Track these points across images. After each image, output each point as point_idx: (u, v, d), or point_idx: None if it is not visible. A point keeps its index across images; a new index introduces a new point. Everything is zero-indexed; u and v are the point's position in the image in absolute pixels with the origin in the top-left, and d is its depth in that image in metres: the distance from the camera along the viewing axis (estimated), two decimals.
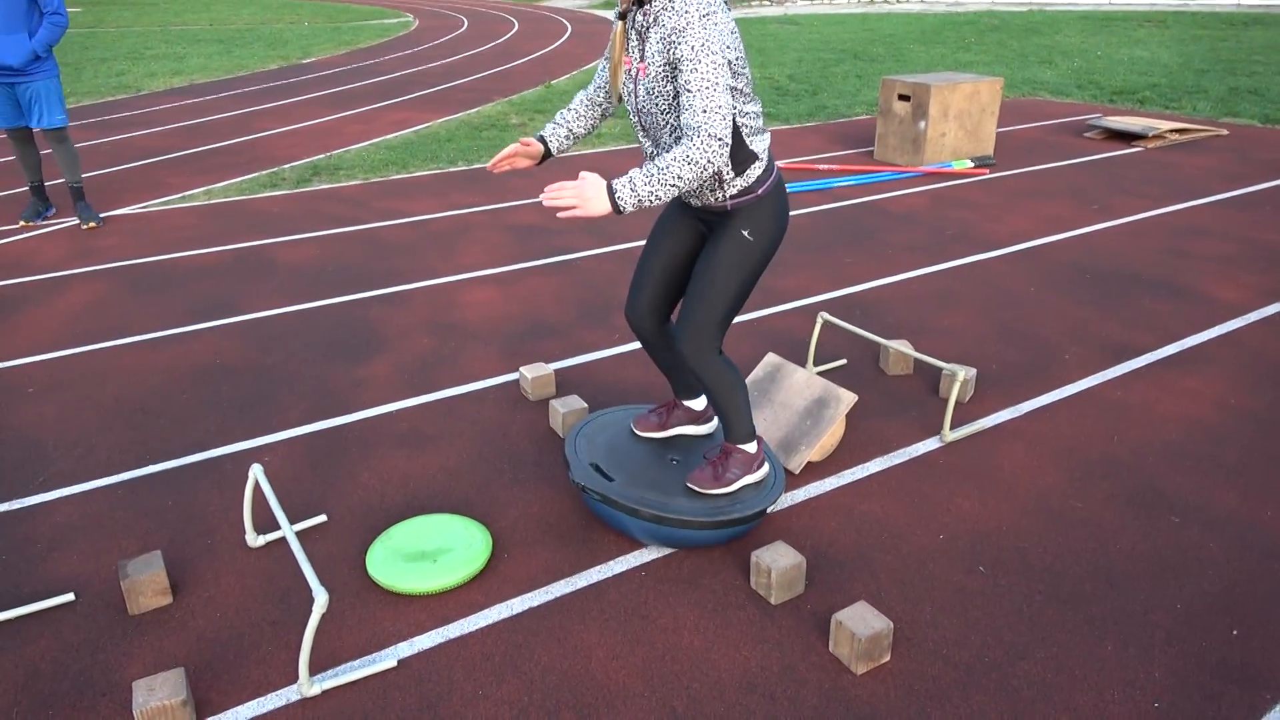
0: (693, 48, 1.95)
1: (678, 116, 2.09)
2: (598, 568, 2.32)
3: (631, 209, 1.99)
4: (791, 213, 5.48)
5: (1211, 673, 1.96)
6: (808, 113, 8.84)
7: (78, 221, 5.35)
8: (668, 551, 2.38)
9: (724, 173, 2.15)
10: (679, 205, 2.37)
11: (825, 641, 2.05)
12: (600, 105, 2.34)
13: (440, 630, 2.11)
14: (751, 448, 2.40)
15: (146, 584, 2.17)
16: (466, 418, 3.09)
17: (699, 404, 2.61)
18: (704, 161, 1.96)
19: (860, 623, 1.96)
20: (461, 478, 2.74)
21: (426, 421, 3.07)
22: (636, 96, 2.15)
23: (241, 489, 2.69)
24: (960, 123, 6.57)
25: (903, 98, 6.57)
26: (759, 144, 2.16)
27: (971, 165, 6.49)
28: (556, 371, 3.41)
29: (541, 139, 2.32)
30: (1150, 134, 7.23)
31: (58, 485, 2.72)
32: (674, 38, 1.98)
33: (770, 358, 3.07)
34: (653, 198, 1.98)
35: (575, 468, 2.42)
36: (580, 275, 4.45)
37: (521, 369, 3.25)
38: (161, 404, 3.21)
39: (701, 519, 2.26)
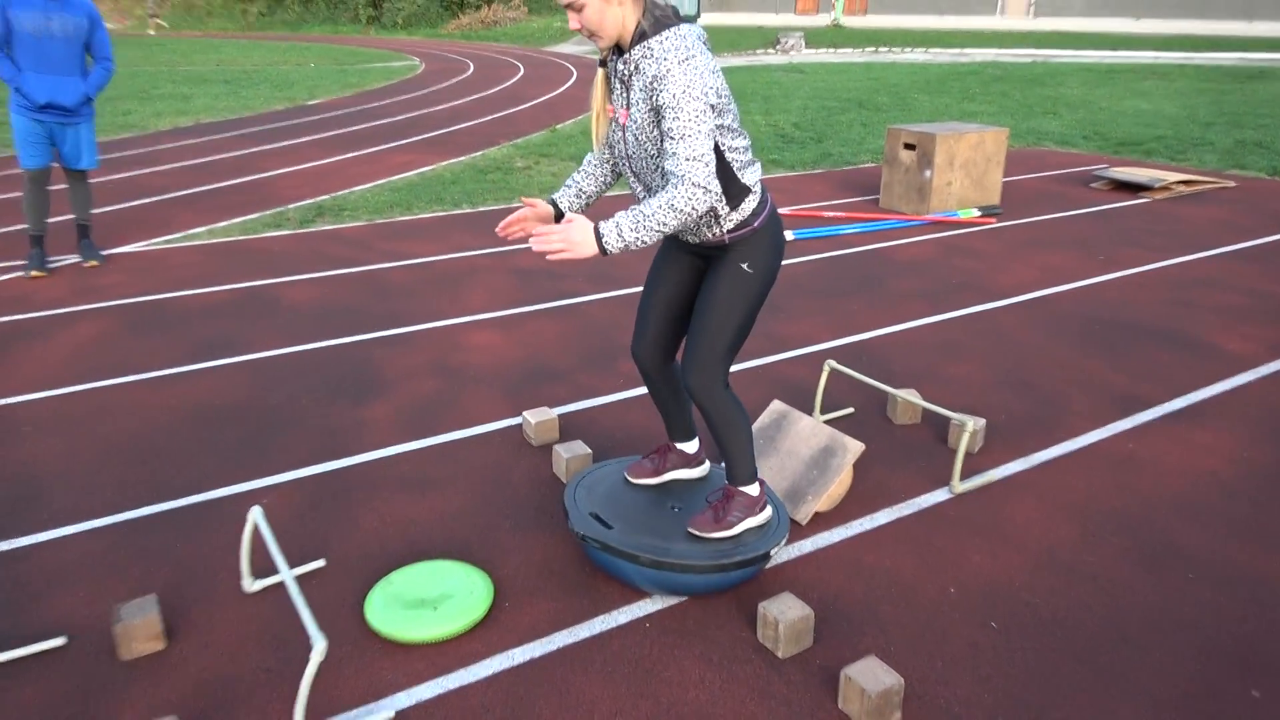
0: (674, 95, 2.00)
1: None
2: (601, 618, 2.31)
3: (617, 252, 2.04)
4: (799, 259, 5.53)
5: None
6: (813, 160, 8.96)
7: (80, 259, 5.40)
8: (673, 602, 2.36)
9: (719, 209, 2.19)
10: (675, 242, 2.40)
11: (834, 697, 2.03)
12: (609, 161, 2.39)
13: (439, 680, 2.09)
14: (754, 490, 2.41)
15: (140, 629, 2.15)
16: (469, 462, 3.09)
17: (692, 447, 2.63)
18: (688, 209, 2.01)
19: (870, 678, 1.94)
20: (463, 523, 2.73)
21: (429, 465, 3.07)
22: (625, 143, 2.20)
23: (238, 531, 2.68)
24: (966, 172, 6.66)
25: (908, 146, 6.66)
26: (750, 176, 2.20)
27: (978, 214, 6.56)
28: (560, 416, 3.42)
29: (552, 202, 2.39)
30: (1157, 185, 7.32)
31: (54, 525, 2.71)
32: (655, 85, 2.03)
33: (776, 405, 3.08)
34: (638, 242, 2.03)
35: (574, 517, 2.42)
36: (583, 319, 4.47)
37: (525, 413, 3.26)
38: (161, 443, 3.21)
39: (703, 563, 2.25)
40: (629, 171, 2.27)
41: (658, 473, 2.62)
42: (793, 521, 2.73)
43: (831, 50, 24.20)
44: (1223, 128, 10.79)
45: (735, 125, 2.15)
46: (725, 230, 2.23)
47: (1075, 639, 2.23)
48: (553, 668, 2.13)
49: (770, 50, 24.67)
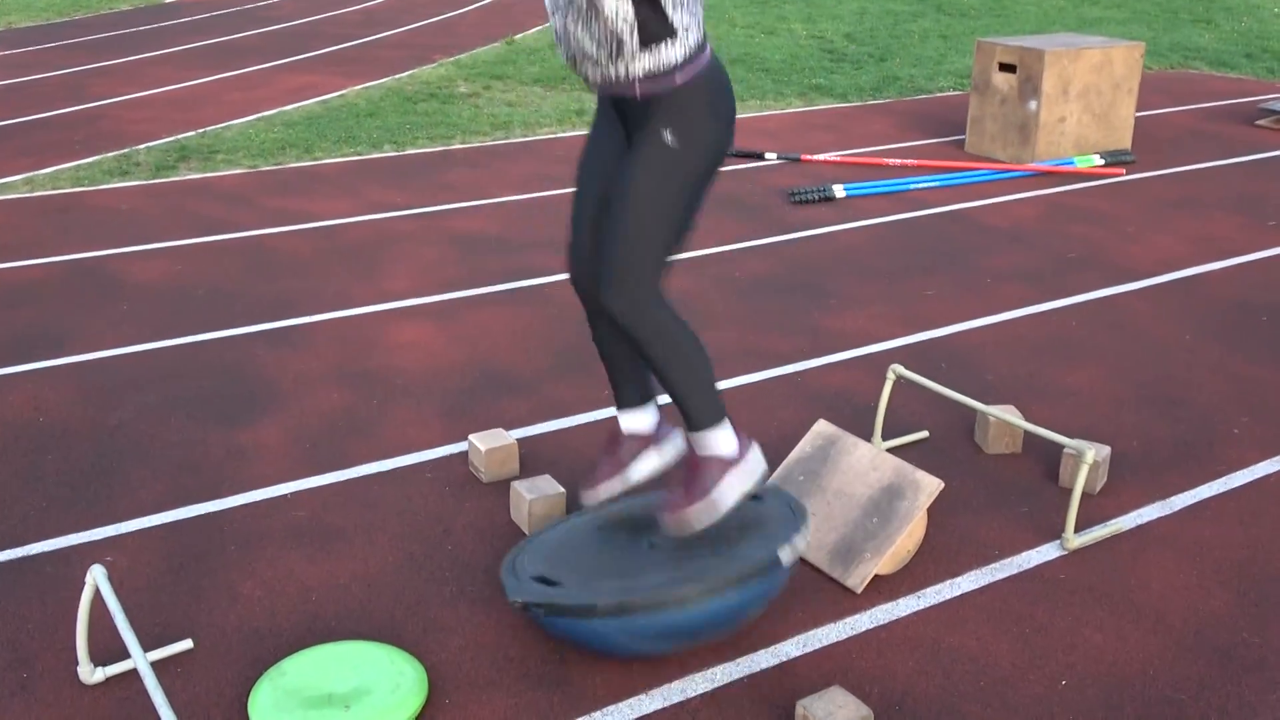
0: None
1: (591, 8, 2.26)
2: None
3: None
4: (852, 225, 5.58)
5: None
6: (873, 86, 9.02)
7: None
8: (676, 699, 2.40)
9: (624, 40, 2.27)
10: (604, 112, 2.58)
11: None
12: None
13: None
14: (725, 439, 2.49)
15: None
16: (392, 505, 3.12)
17: (647, 417, 2.73)
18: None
19: None
20: (384, 591, 2.76)
21: (334, 510, 3.10)
22: None
23: (72, 600, 2.71)
24: (1086, 104, 6.73)
25: (1005, 68, 6.73)
26: (681, 17, 2.30)
27: (1101, 163, 6.63)
28: (519, 441, 3.45)
29: None
30: None
31: None
32: None
33: (821, 427, 3.12)
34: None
35: (511, 587, 2.49)
36: (550, 306, 4.52)
37: (471, 437, 3.30)
38: None
39: (687, 591, 2.33)
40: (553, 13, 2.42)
41: (617, 471, 2.69)
42: (845, 589, 2.77)
43: None
44: None
45: None
46: (633, 76, 2.33)
47: None
48: None
49: None
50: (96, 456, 3.37)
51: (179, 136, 7.19)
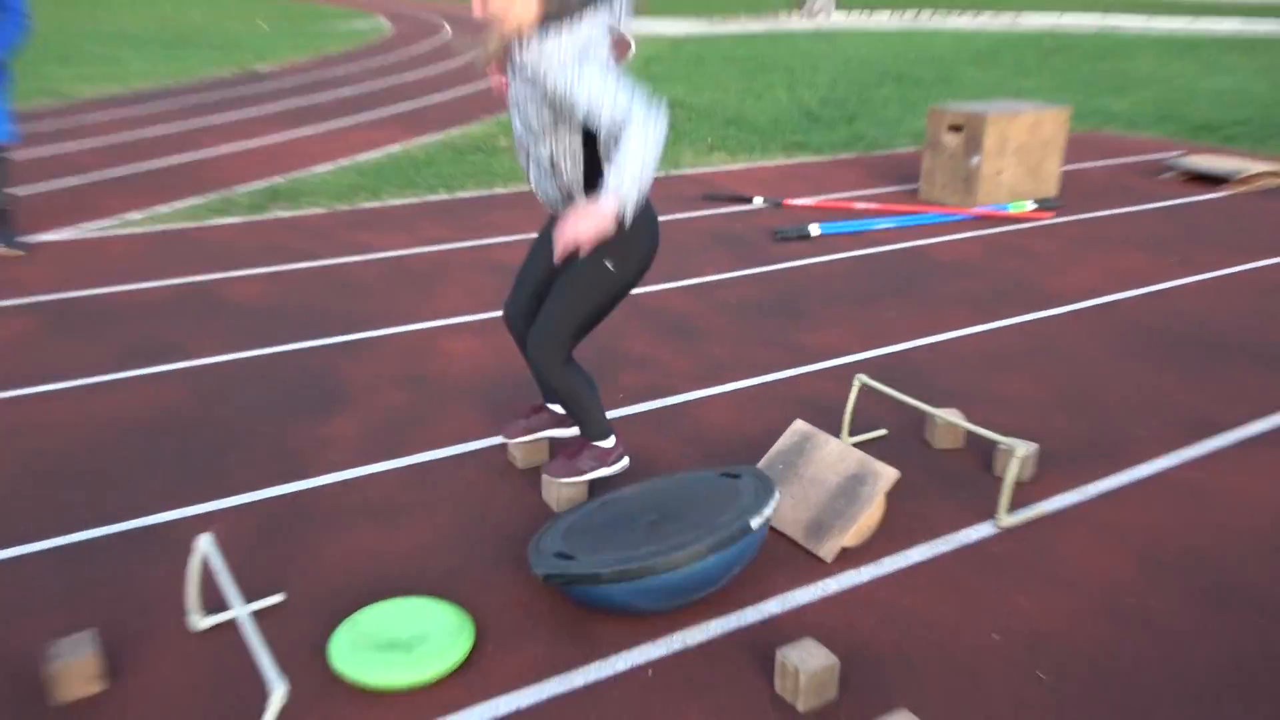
0: (569, 81, 2.43)
1: (556, 141, 2.60)
2: (596, 664, 2.37)
3: (632, 207, 2.39)
4: (825, 258, 5.61)
5: None
6: (843, 143, 9.05)
7: None
8: (677, 647, 2.43)
9: (575, 194, 2.67)
10: (552, 218, 2.91)
11: None
12: None
13: None
14: (607, 443, 2.97)
15: (77, 669, 2.22)
16: (445, 487, 3.16)
17: (560, 408, 3.20)
18: (652, 138, 2.37)
19: None
20: (439, 556, 2.80)
21: (398, 490, 3.14)
22: (516, 118, 2.70)
23: (184, 561, 2.75)
24: (1020, 159, 6.75)
25: (954, 129, 6.76)
26: None
27: (1033, 208, 6.65)
28: (549, 435, 3.48)
29: None
30: (1238, 176, 7.42)
31: None
32: (547, 74, 2.46)
33: (798, 425, 3.15)
34: (640, 193, 2.38)
35: (535, 560, 2.55)
36: None
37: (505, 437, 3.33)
38: (93, 462, 3.28)
39: (671, 558, 2.38)
40: (519, 139, 2.74)
41: (530, 430, 3.19)
42: (817, 559, 2.80)
43: (865, 14, 24.42)
44: None
45: None
46: None
47: (1136, 695, 2.29)
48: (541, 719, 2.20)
49: (795, 14, 24.88)
50: (204, 444, 3.41)
51: (270, 181, 7.24)
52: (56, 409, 3.66)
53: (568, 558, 2.51)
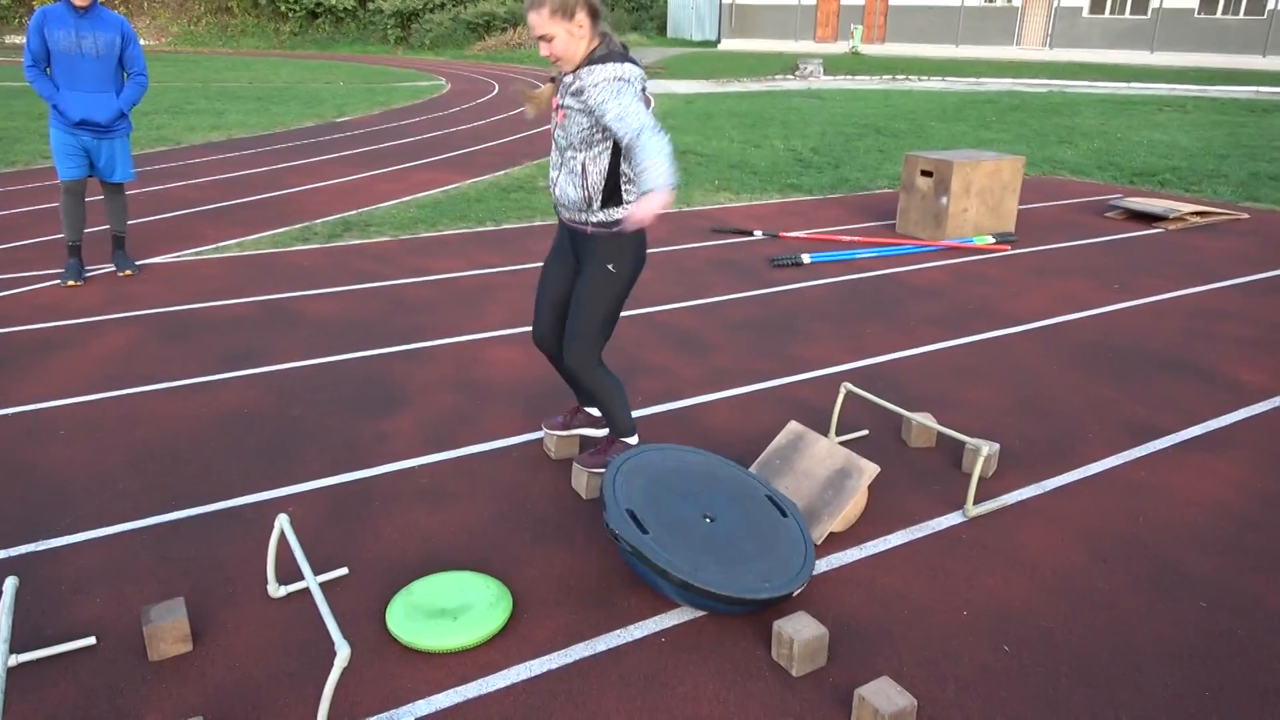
0: (606, 98, 2.51)
1: (586, 152, 2.65)
2: (617, 631, 2.31)
3: (673, 188, 2.44)
4: (814, 283, 5.55)
5: None
6: (830, 185, 8.98)
7: (114, 269, 5.48)
8: (688, 617, 2.37)
9: (594, 198, 2.67)
10: (561, 239, 2.91)
11: (847, 716, 2.03)
12: None
13: (458, 690, 2.10)
14: (632, 440, 2.98)
15: (168, 630, 2.18)
16: (488, 476, 3.11)
17: (596, 411, 3.17)
18: (660, 147, 2.43)
19: (883, 699, 1.94)
20: (482, 536, 2.75)
21: (448, 478, 3.09)
22: (555, 137, 2.75)
23: (263, 538, 2.71)
24: (982, 199, 6.66)
25: (925, 173, 6.68)
26: (631, 195, 2.69)
27: (993, 241, 6.56)
28: (579, 432, 3.43)
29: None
30: (1171, 215, 7.29)
31: (83, 528, 2.75)
32: (590, 92, 2.54)
33: (792, 425, 3.09)
34: (672, 176, 2.42)
35: (611, 512, 2.38)
36: None
37: (545, 428, 3.28)
38: (187, 451, 3.25)
39: (727, 594, 2.25)
40: (554, 154, 2.78)
41: (566, 427, 3.18)
42: None
43: (850, 77, 24.28)
44: (1237, 160, 10.75)
45: None
46: (591, 221, 2.71)
47: (1088, 665, 2.22)
48: (569, 680, 2.14)
49: (790, 76, 24.78)
50: (282, 437, 3.38)
51: (344, 214, 7.23)
52: (160, 405, 3.63)
53: (640, 526, 2.36)
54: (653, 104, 2.65)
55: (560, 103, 2.69)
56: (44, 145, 10.57)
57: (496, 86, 20.84)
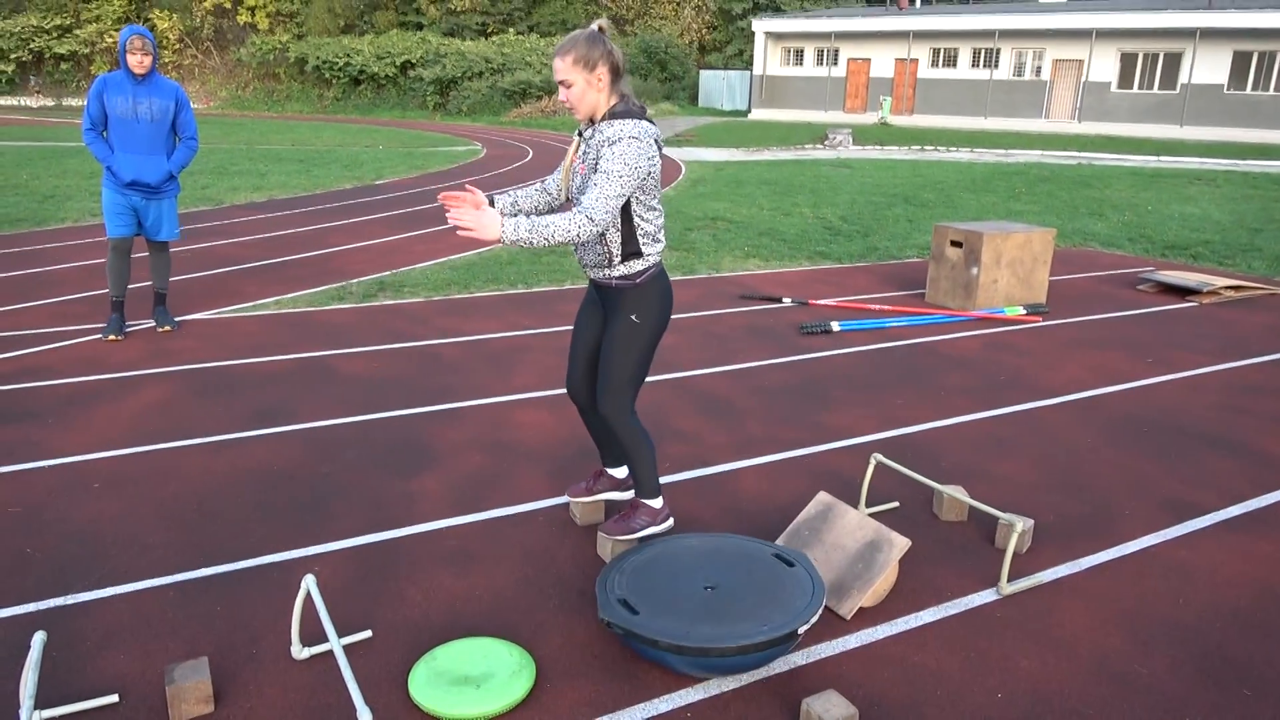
0: (611, 156, 2.57)
1: None
2: (642, 705, 2.27)
3: (510, 243, 2.47)
4: (844, 350, 5.53)
5: None
6: (860, 253, 9.02)
7: (154, 324, 5.60)
8: (715, 691, 2.32)
9: (614, 255, 2.71)
10: (591, 295, 2.96)
11: None
12: (550, 195, 2.93)
13: None
14: (657, 503, 2.95)
15: (190, 691, 2.16)
16: (514, 539, 3.09)
17: (621, 473, 3.17)
18: (574, 232, 2.51)
19: None
20: (507, 601, 2.72)
21: (474, 541, 3.08)
22: (574, 190, 2.81)
23: (289, 597, 2.70)
24: (1013, 270, 6.65)
25: (955, 244, 6.69)
26: (650, 248, 2.73)
27: (1024, 312, 6.53)
28: (604, 499, 3.41)
29: (490, 199, 2.81)
30: (1205, 289, 7.23)
31: (112, 583, 2.76)
32: (600, 149, 2.62)
33: (822, 496, 3.05)
34: (529, 242, 2.49)
35: (602, 603, 2.43)
36: None
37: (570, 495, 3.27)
38: (219, 507, 3.27)
39: (720, 646, 2.22)
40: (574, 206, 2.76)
41: (590, 492, 3.14)
42: (837, 616, 2.68)
43: (879, 147, 24.58)
44: (1271, 234, 10.68)
45: (654, 204, 2.71)
46: (614, 275, 2.76)
47: None
48: None
49: (819, 145, 25.12)
50: (311, 495, 3.39)
51: (380, 275, 7.36)
52: (193, 460, 3.67)
53: (632, 609, 2.39)
54: (659, 165, 2.69)
55: (579, 159, 2.76)
56: (93, 203, 10.92)
57: (530, 152, 21.30)
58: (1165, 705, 2.31)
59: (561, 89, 2.67)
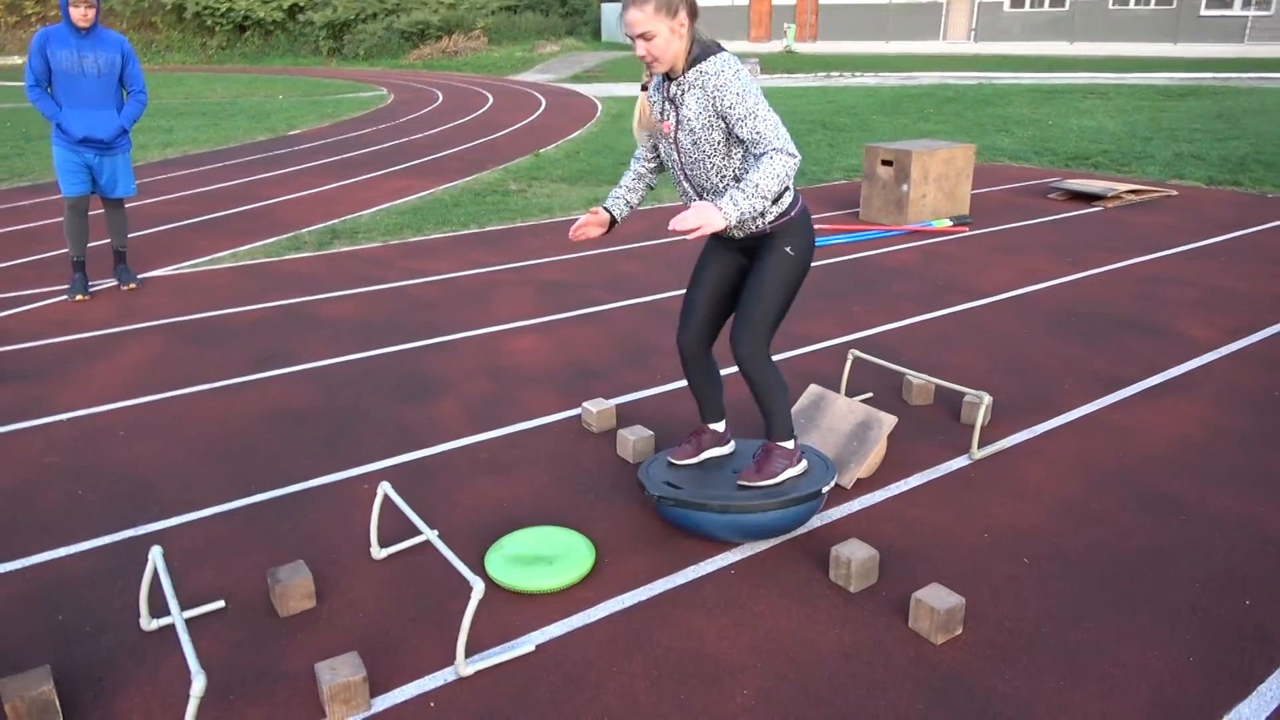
0: (739, 94, 2.40)
1: (726, 158, 2.53)
2: (691, 568, 2.63)
3: (735, 220, 2.37)
4: None
5: (1233, 634, 2.32)
6: None
7: (116, 283, 5.60)
8: (751, 551, 2.69)
9: (769, 207, 2.55)
10: (717, 243, 2.78)
11: (904, 619, 2.38)
12: (645, 177, 2.84)
13: (565, 621, 2.40)
14: (790, 444, 2.77)
15: (295, 589, 2.42)
16: (540, 448, 3.39)
17: (721, 426, 2.96)
18: (783, 171, 2.37)
19: (937, 599, 2.29)
20: (548, 499, 3.03)
21: (503, 452, 3.36)
22: (679, 151, 2.59)
23: (346, 513, 2.95)
24: (939, 185, 7.13)
25: (885, 163, 7.12)
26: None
27: (951, 224, 7.03)
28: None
29: (606, 209, 2.77)
30: (1110, 194, 7.87)
31: (172, 514, 2.96)
32: (717, 94, 2.43)
33: (813, 388, 3.44)
34: (751, 209, 2.38)
35: (650, 484, 2.75)
36: (611, 325, 4.80)
37: (585, 404, 3.57)
38: (248, 443, 3.47)
39: (765, 502, 2.60)
40: (680, 175, 2.65)
41: (697, 452, 2.93)
42: (839, 487, 3.08)
43: (786, 76, 24.93)
44: (1161, 142, 11.49)
45: None
46: (769, 221, 2.61)
47: (1093, 569, 2.60)
48: (659, 607, 2.45)
49: None
50: (336, 426, 3.61)
51: (328, 223, 7.39)
52: (210, 404, 3.83)
53: (675, 487, 2.73)
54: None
55: (669, 119, 2.56)
56: (23, 164, 10.45)
57: (440, 95, 20.93)
58: (1118, 532, 2.80)
59: (640, 43, 2.43)
